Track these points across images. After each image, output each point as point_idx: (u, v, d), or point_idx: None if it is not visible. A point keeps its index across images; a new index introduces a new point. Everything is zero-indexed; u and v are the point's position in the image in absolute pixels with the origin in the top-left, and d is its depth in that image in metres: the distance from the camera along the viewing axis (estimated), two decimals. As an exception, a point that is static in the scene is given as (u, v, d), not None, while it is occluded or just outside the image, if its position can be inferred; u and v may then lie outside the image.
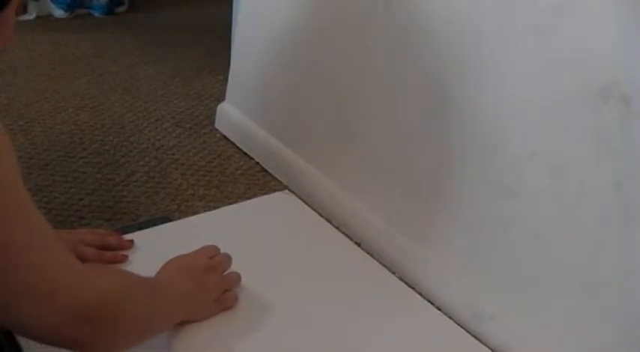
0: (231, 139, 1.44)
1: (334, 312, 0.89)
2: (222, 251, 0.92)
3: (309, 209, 1.06)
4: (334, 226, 1.12)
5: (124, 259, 0.96)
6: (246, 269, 0.93)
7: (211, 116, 1.52)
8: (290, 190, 1.27)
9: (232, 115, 1.45)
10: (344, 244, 1.01)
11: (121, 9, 2.22)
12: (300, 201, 1.05)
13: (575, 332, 0.85)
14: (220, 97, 1.56)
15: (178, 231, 1.07)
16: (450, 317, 1.01)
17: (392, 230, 1.10)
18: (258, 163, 1.36)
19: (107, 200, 1.21)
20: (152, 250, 0.98)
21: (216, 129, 1.49)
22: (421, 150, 1.03)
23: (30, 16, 2.06)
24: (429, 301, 1.04)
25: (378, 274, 0.97)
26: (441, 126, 0.99)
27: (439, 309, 1.02)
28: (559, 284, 0.87)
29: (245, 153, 1.40)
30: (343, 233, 1.11)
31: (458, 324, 0.99)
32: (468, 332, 0.98)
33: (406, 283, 1.07)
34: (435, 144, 1.01)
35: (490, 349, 0.92)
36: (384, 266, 1.11)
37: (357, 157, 1.16)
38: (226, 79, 1.49)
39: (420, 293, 1.05)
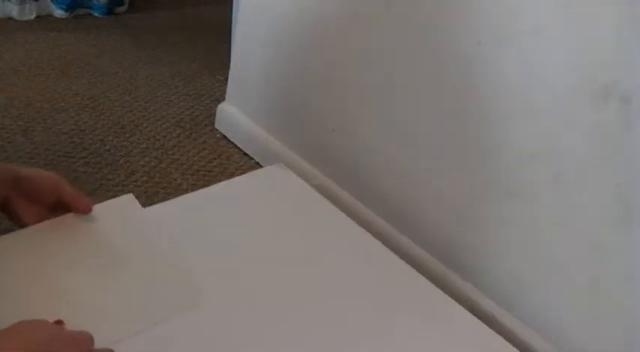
0: (231, 139, 1.44)
1: (334, 288, 0.86)
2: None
3: (303, 182, 1.04)
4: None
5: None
6: (242, 244, 0.91)
7: (211, 116, 1.52)
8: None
9: (232, 115, 1.45)
10: (338, 217, 0.99)
11: (121, 9, 2.22)
12: (294, 174, 1.04)
13: (576, 332, 0.85)
14: (220, 97, 1.56)
15: (173, 209, 1.00)
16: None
17: (392, 230, 1.10)
18: (258, 163, 1.37)
19: (107, 200, 1.21)
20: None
21: (216, 129, 1.49)
22: (421, 150, 1.03)
23: (30, 16, 2.06)
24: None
25: (374, 248, 0.94)
26: (441, 126, 0.99)
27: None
28: (559, 285, 0.87)
29: (245, 153, 1.40)
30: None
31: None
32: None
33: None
34: (436, 144, 1.01)
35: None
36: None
37: (358, 157, 1.16)
38: (226, 79, 1.49)
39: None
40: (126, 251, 0.86)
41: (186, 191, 1.26)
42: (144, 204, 1.21)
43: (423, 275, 1.06)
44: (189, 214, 0.96)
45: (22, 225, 0.84)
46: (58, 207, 0.86)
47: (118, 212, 0.93)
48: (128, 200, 0.96)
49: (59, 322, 0.72)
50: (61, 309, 0.74)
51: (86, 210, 0.88)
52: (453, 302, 0.84)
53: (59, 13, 2.10)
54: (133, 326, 0.76)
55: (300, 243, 0.93)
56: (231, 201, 1.01)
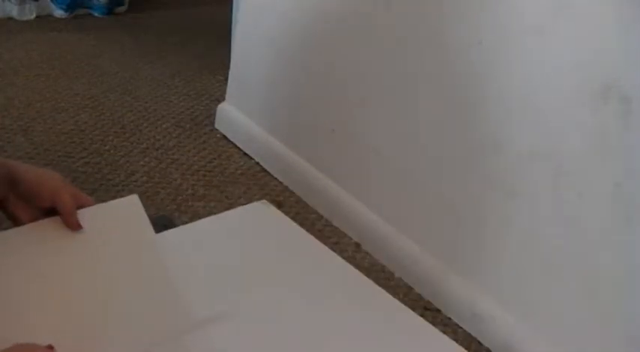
0: (231, 139, 1.44)
1: (315, 322, 0.85)
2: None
3: (288, 219, 1.04)
4: (331, 224, 1.11)
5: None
6: (225, 283, 0.89)
7: (211, 116, 1.52)
8: (290, 190, 1.28)
9: (232, 115, 1.45)
10: (324, 253, 0.98)
11: (121, 9, 2.22)
12: (278, 211, 1.03)
13: (576, 332, 0.85)
14: (220, 97, 1.56)
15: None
16: (450, 318, 1.01)
17: (393, 230, 1.10)
18: (258, 163, 1.37)
19: (107, 200, 1.21)
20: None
21: (216, 129, 1.49)
22: (421, 150, 1.03)
23: (30, 16, 2.06)
24: (429, 300, 1.04)
25: (359, 284, 0.93)
26: (441, 126, 0.99)
27: (438, 311, 1.03)
28: (559, 284, 0.87)
29: (245, 153, 1.40)
30: (340, 231, 1.11)
31: (457, 325, 1.00)
32: (468, 332, 0.99)
33: (407, 283, 1.08)
34: (436, 144, 1.01)
35: (489, 349, 0.92)
36: (385, 266, 1.11)
37: (358, 157, 1.16)
38: (226, 79, 1.49)
39: (421, 294, 1.06)
40: (123, 261, 0.83)
41: (185, 191, 1.26)
42: (144, 204, 1.21)
43: (423, 274, 1.06)
44: (173, 250, 0.93)
45: (19, 224, 0.83)
46: (55, 212, 0.85)
47: (119, 214, 0.91)
48: (131, 201, 0.93)
49: (50, 347, 0.72)
50: (50, 326, 0.72)
51: (76, 228, 0.83)
52: (448, 339, 0.82)
53: (59, 13, 2.10)
54: (128, 347, 0.73)
55: (288, 281, 0.90)
56: (216, 238, 0.98)
